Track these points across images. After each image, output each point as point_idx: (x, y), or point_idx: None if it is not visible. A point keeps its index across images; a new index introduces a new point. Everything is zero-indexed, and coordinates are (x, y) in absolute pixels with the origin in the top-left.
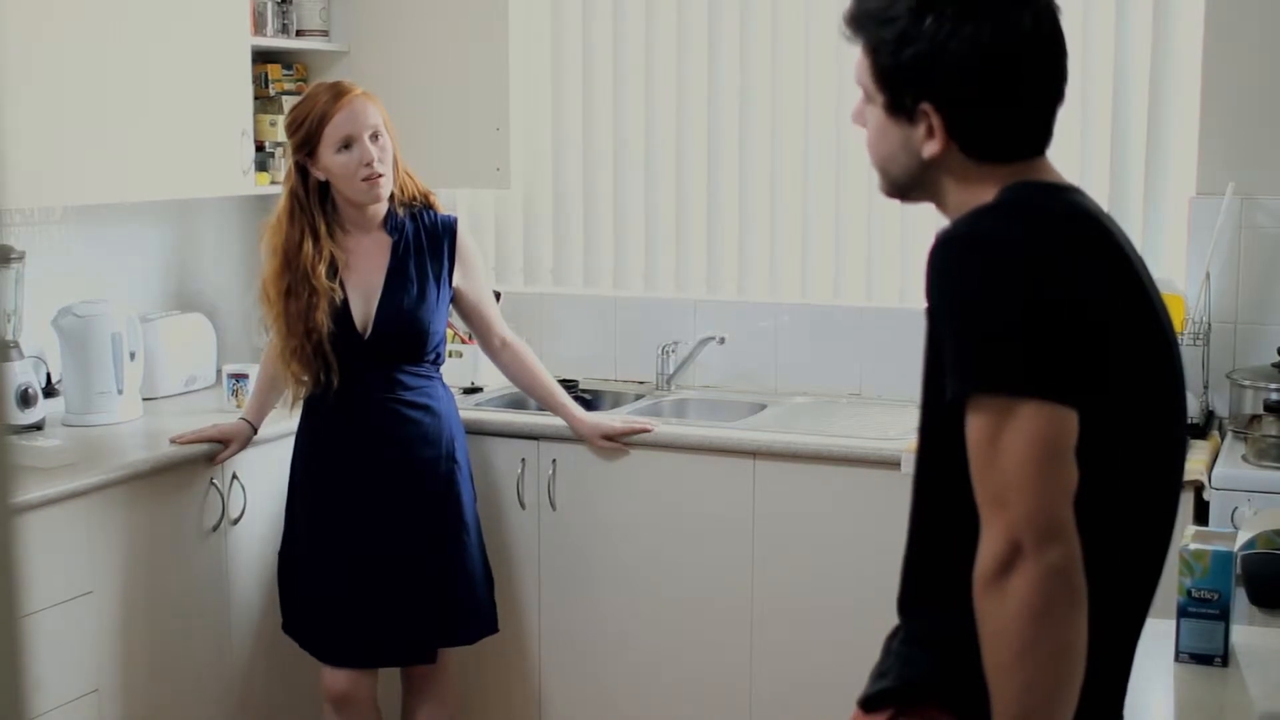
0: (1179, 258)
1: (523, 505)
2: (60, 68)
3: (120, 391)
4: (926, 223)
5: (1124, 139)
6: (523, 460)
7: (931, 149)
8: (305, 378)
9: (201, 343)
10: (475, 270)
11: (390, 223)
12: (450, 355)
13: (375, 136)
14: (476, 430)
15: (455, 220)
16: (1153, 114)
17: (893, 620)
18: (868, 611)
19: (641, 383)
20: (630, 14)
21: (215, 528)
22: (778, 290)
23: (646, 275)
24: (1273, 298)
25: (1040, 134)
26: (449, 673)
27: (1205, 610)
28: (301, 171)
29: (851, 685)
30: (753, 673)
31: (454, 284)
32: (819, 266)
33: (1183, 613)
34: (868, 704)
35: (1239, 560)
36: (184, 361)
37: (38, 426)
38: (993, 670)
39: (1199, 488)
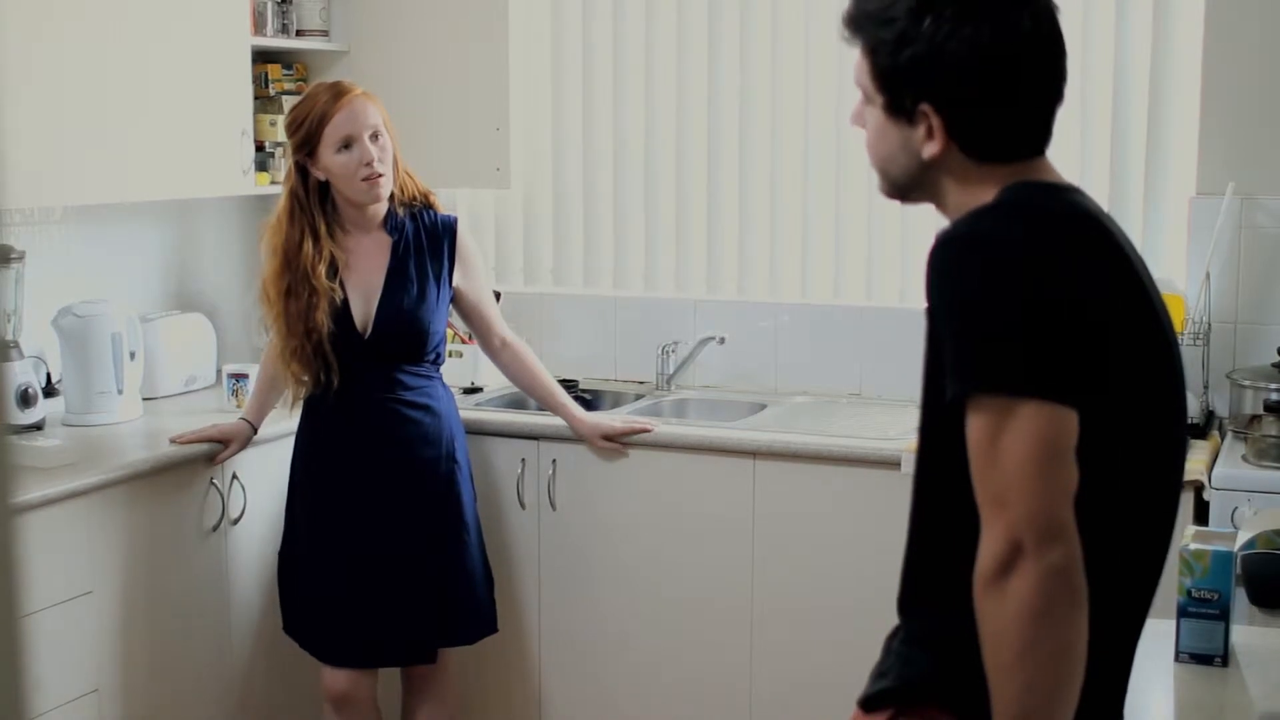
0: (1179, 258)
1: (523, 505)
2: (60, 68)
3: (120, 391)
4: (926, 223)
5: (1124, 139)
6: (523, 460)
7: (931, 150)
8: (305, 378)
9: (201, 343)
10: (475, 270)
11: (390, 223)
12: (450, 355)
13: (375, 136)
14: (476, 430)
15: (455, 220)
16: (1153, 114)
17: (893, 620)
18: (868, 611)
19: (641, 383)
20: (630, 14)
21: (215, 528)
22: (778, 290)
23: (646, 275)
24: (1273, 298)
25: (1040, 134)
26: (449, 673)
27: (1205, 610)
28: (301, 171)
29: (851, 685)
30: (753, 673)
31: (454, 284)
32: (819, 266)
33: (1183, 613)
34: (868, 704)
35: (1239, 560)
36: (184, 361)
37: (38, 426)
38: (993, 670)
39: (1199, 488)
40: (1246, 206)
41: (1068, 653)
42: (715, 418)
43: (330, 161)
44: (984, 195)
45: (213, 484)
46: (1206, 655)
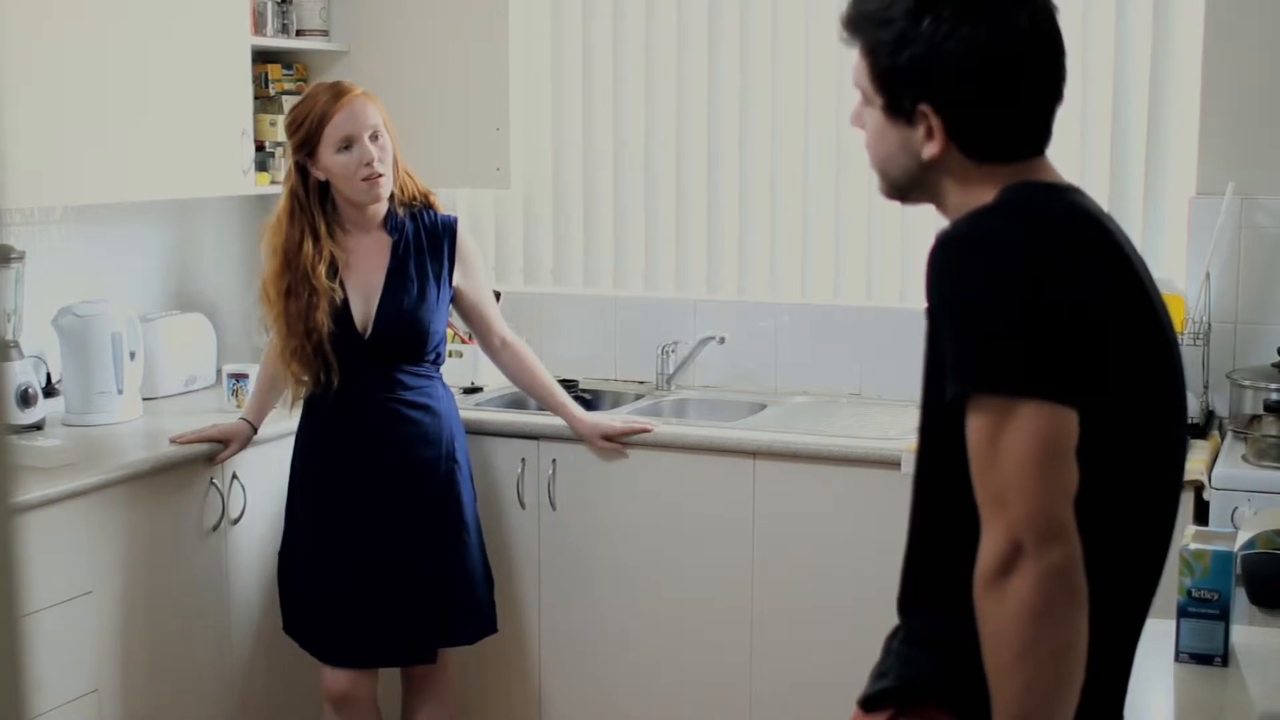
0: (1179, 258)
1: (523, 505)
2: (60, 68)
3: (120, 391)
4: (926, 223)
5: (1124, 139)
6: (523, 460)
7: (931, 150)
8: (305, 378)
9: (201, 343)
10: (475, 270)
11: (390, 223)
12: (450, 355)
13: (375, 136)
14: (476, 430)
15: (455, 220)
16: (1153, 114)
17: (893, 620)
18: (868, 611)
19: (641, 383)
20: (630, 14)
21: (215, 528)
22: (778, 290)
23: (646, 275)
24: (1273, 298)
25: (1039, 134)
26: (449, 673)
27: (1205, 610)
28: (301, 171)
29: (851, 685)
30: (753, 673)
31: (454, 284)
32: (819, 266)
33: (1183, 613)
34: (868, 704)
35: (1239, 560)
36: (184, 361)
37: (38, 426)
38: (993, 670)
39: (1199, 488)
40: (1246, 206)
41: (1068, 653)
42: (715, 418)
43: (330, 161)
44: (984, 195)
45: (213, 484)
46: (1206, 655)
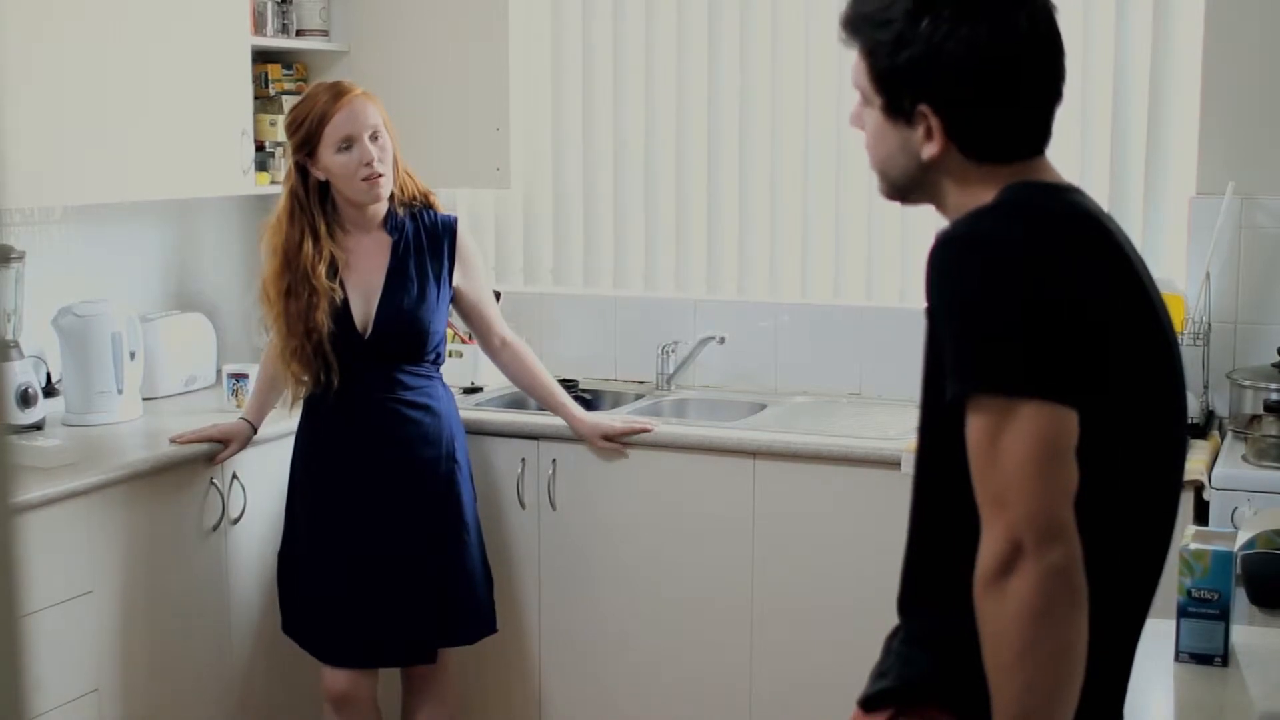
0: (1179, 258)
1: (523, 505)
2: (60, 68)
3: (120, 391)
4: (926, 223)
5: (1124, 139)
6: (523, 460)
7: (930, 150)
8: (305, 378)
9: (201, 343)
10: (475, 270)
11: (390, 222)
12: (450, 355)
13: (375, 136)
14: (476, 430)
15: (455, 220)
16: (1153, 114)
17: (893, 620)
18: (868, 611)
19: (641, 383)
20: (630, 14)
21: (215, 528)
22: (778, 290)
23: (646, 275)
24: (1273, 298)
25: (1039, 134)
26: (449, 673)
27: (1205, 610)
28: (301, 171)
29: (851, 685)
30: (753, 673)
31: (454, 284)
32: (819, 266)
33: (1183, 613)
34: (868, 704)
35: (1239, 560)
36: (184, 361)
37: (38, 426)
38: (993, 670)
39: (1199, 488)
40: (1246, 206)
41: (1068, 653)
42: (715, 418)
43: (330, 161)
44: (984, 195)
45: (213, 484)
46: (1206, 655)
